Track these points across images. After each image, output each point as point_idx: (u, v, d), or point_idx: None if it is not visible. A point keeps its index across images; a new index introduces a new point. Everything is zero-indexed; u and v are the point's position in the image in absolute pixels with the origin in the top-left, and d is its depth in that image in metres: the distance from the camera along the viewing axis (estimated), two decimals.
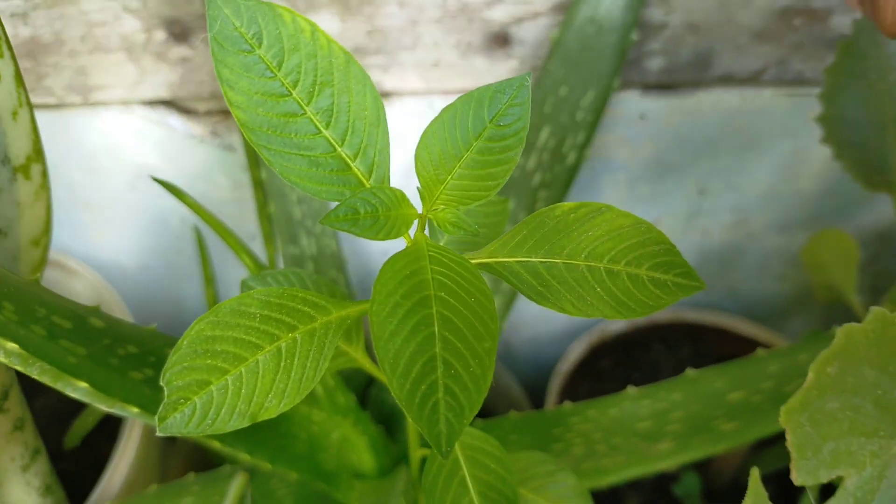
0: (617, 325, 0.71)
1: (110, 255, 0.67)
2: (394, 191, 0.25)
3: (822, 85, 0.50)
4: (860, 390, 0.31)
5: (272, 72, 0.26)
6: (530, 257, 0.28)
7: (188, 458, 0.67)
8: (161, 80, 0.55)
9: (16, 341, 0.28)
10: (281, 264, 0.57)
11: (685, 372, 0.49)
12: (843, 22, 0.54)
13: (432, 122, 0.25)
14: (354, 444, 0.52)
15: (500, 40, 0.54)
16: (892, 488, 0.32)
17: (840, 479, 0.31)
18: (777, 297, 0.74)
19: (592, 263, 0.27)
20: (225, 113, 0.58)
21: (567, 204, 0.27)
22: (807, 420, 0.29)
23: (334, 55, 0.26)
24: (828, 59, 0.56)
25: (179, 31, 0.52)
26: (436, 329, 0.23)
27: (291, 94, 0.26)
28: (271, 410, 0.27)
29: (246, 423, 0.27)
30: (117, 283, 0.68)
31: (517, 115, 0.25)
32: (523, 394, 0.69)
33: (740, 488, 0.65)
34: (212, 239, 0.63)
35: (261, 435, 0.48)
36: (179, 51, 0.53)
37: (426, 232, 0.28)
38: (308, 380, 0.27)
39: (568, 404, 0.52)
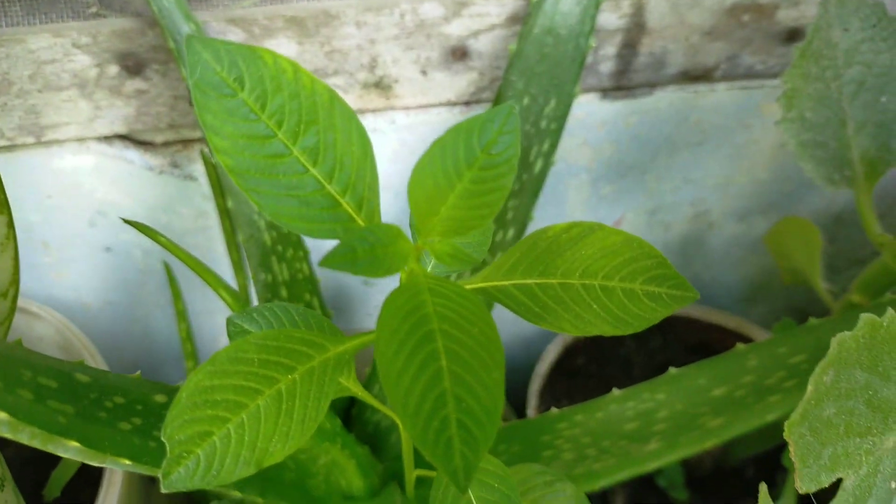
0: None
1: (73, 295, 0.65)
2: (389, 227, 0.25)
3: (774, 79, 0.51)
4: (853, 393, 0.32)
5: (256, 114, 0.25)
6: (526, 279, 0.28)
7: (172, 496, 0.66)
8: (116, 115, 0.53)
9: (4, 409, 0.27)
10: (253, 292, 0.56)
11: (668, 370, 0.50)
12: (789, 15, 0.56)
13: (423, 155, 0.25)
14: (343, 467, 0.51)
15: (458, 54, 0.54)
16: (887, 481, 0.33)
17: (840, 480, 0.32)
18: (740, 282, 0.75)
19: (587, 281, 0.27)
20: (184, 143, 0.57)
21: (559, 225, 0.28)
22: (807, 430, 0.30)
23: (318, 94, 0.26)
24: (777, 53, 0.58)
25: (133, 64, 0.51)
26: (444, 363, 0.23)
27: (277, 134, 0.26)
28: (276, 455, 0.26)
29: (252, 471, 0.26)
30: (82, 322, 0.66)
31: (507, 143, 0.25)
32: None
33: (722, 475, 0.67)
34: (176, 271, 0.62)
35: None
36: (134, 84, 0.52)
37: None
38: (311, 420, 0.27)
39: (554, 410, 0.52)
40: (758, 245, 0.71)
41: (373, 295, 0.70)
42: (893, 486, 0.34)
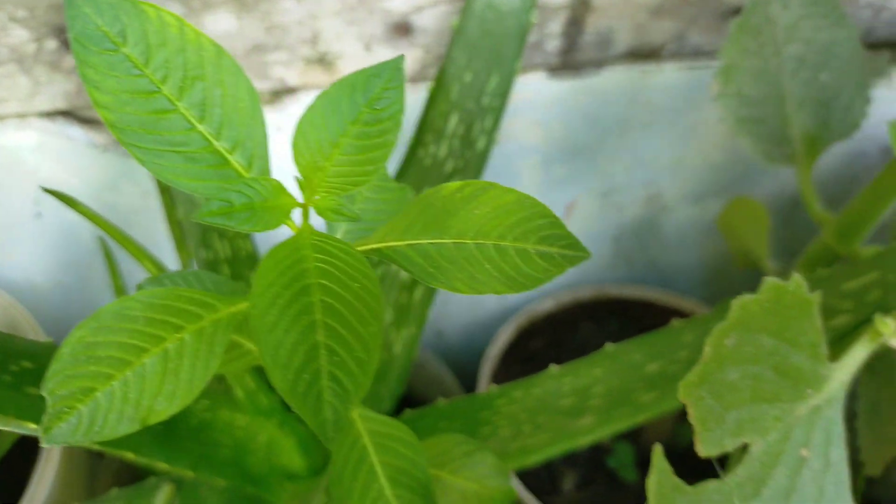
0: (544, 305, 0.72)
1: (21, 275, 0.65)
2: (270, 180, 0.25)
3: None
4: (759, 359, 0.32)
5: (139, 69, 0.25)
6: (420, 239, 0.28)
7: (119, 474, 0.66)
8: (57, 91, 0.53)
9: None
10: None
11: (604, 347, 0.50)
12: None
13: (307, 109, 0.25)
14: (282, 445, 0.51)
15: (402, 30, 0.54)
16: (797, 449, 0.33)
17: (746, 445, 0.32)
18: (697, 266, 0.75)
19: (481, 241, 0.27)
20: None
21: (453, 184, 0.28)
22: (707, 392, 0.30)
23: (204, 49, 0.26)
24: (724, 31, 0.58)
25: None
26: (318, 317, 0.23)
27: (161, 90, 0.25)
28: (161, 413, 0.26)
29: (136, 428, 0.26)
30: (31, 302, 0.66)
31: (392, 99, 0.25)
32: (455, 381, 0.69)
33: (672, 456, 0.67)
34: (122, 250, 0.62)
35: (181, 443, 0.47)
36: (73, 59, 0.52)
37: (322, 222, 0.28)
38: (198, 380, 0.27)
39: (493, 387, 0.52)
40: (713, 228, 0.71)
41: None
42: (804, 453, 0.34)
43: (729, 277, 0.77)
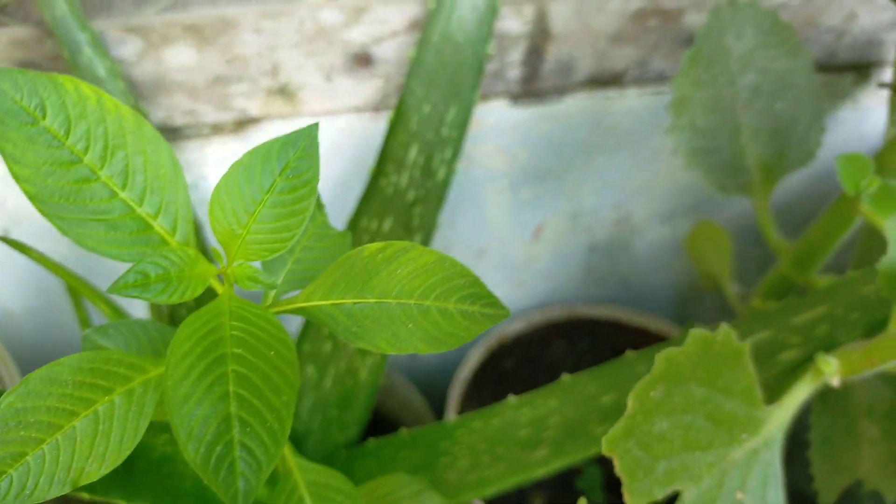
0: (514, 325, 0.72)
1: None
2: (187, 250, 0.25)
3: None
4: (690, 408, 0.32)
5: (60, 141, 0.25)
6: (344, 299, 0.28)
7: None
8: None
9: None
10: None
11: (560, 378, 0.50)
12: (695, 20, 0.56)
13: (222, 178, 0.26)
14: None
15: (362, 60, 0.54)
16: (731, 493, 0.34)
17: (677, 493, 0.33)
18: (668, 286, 0.76)
19: (403, 301, 0.28)
20: None
21: (374, 244, 0.28)
22: (634, 445, 0.30)
23: (124, 118, 0.26)
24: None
25: None
26: (231, 388, 0.24)
27: (83, 160, 0.26)
28: (92, 475, 0.27)
29: (67, 490, 0.26)
30: (6, 328, 0.67)
31: (307, 167, 0.25)
32: (425, 404, 0.70)
33: None
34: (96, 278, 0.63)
35: (141, 478, 0.47)
36: None
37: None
38: (129, 440, 0.27)
39: (455, 417, 0.53)
40: (682, 249, 0.72)
41: None
42: (740, 496, 0.34)
43: (700, 296, 0.77)
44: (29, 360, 0.68)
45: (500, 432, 0.50)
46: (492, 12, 0.50)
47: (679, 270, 0.74)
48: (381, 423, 0.70)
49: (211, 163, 0.58)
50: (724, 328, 0.32)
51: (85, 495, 0.43)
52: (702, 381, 0.31)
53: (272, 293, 0.32)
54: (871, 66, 0.62)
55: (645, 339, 0.72)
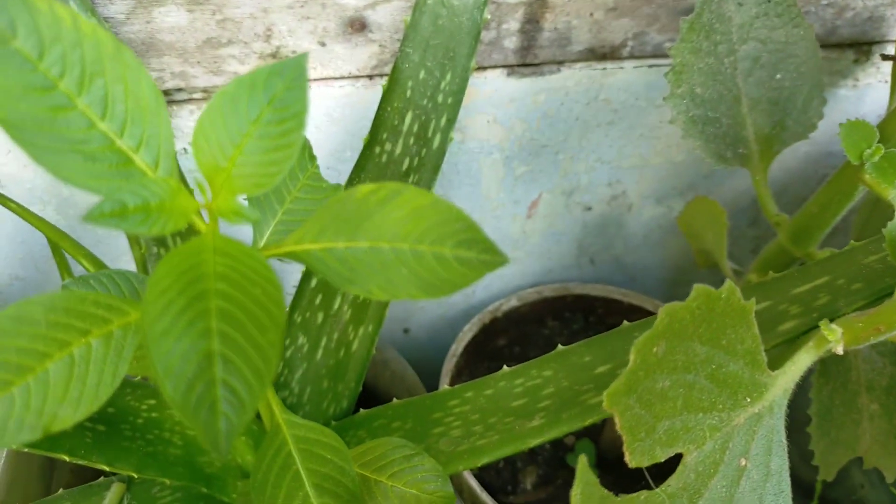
0: (508, 303, 0.71)
1: None
2: (168, 181, 0.24)
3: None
4: (692, 367, 0.31)
5: (32, 64, 0.24)
6: (335, 243, 0.27)
7: (77, 474, 0.65)
8: None
9: None
10: (151, 267, 0.55)
11: (556, 348, 0.49)
12: None
13: (206, 108, 0.24)
14: (234, 442, 0.50)
15: (357, 25, 0.53)
16: (735, 458, 0.33)
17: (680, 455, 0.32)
18: (662, 264, 0.75)
19: (397, 245, 0.27)
20: None
21: (366, 186, 0.27)
22: (636, 402, 0.29)
23: (102, 44, 0.25)
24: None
25: None
26: (213, 324, 0.22)
27: (58, 86, 0.24)
28: (66, 420, 0.26)
29: (38, 436, 0.25)
30: None
31: (295, 98, 0.24)
32: (417, 379, 0.68)
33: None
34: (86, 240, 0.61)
35: (124, 443, 0.46)
36: None
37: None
38: (106, 385, 0.26)
39: (447, 388, 0.51)
40: (677, 227, 0.71)
41: (290, 273, 0.69)
42: (743, 463, 0.33)
43: (694, 276, 0.76)
44: None
45: (494, 402, 0.48)
46: None
47: (673, 250, 0.73)
48: (373, 398, 0.69)
49: None
50: (729, 284, 0.31)
51: (64, 457, 0.42)
52: (705, 340, 0.30)
53: (262, 241, 0.31)
54: (872, 43, 0.61)
55: (638, 317, 0.71)
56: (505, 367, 0.50)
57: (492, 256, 0.27)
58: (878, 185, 0.42)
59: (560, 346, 0.49)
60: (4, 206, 0.39)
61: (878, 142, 0.43)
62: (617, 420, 0.29)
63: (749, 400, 0.33)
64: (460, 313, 0.76)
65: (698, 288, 0.30)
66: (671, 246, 0.73)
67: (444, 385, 0.65)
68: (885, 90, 0.64)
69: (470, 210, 0.66)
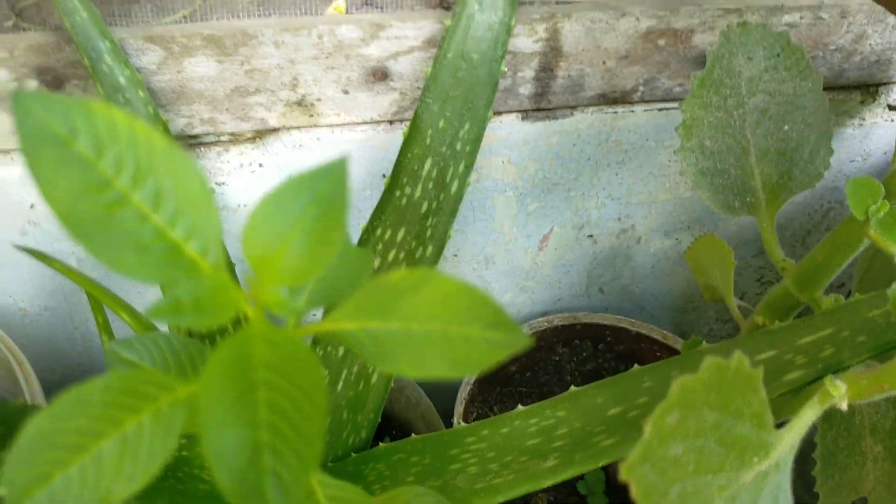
0: None
1: (8, 301, 0.66)
2: (219, 276, 0.26)
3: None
4: (703, 433, 0.33)
5: (91, 165, 0.26)
6: (370, 323, 0.29)
7: None
8: None
9: None
10: None
11: (569, 389, 0.51)
12: (705, 39, 0.57)
13: (257, 207, 0.26)
14: None
15: (379, 75, 0.55)
16: None
17: None
18: (669, 294, 0.77)
19: (429, 327, 0.29)
20: None
21: (400, 272, 0.29)
22: (650, 469, 0.31)
23: (154, 143, 0.27)
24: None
25: (52, 79, 0.52)
26: (262, 415, 0.24)
27: (114, 184, 0.26)
28: (119, 495, 0.27)
29: None
30: (19, 327, 0.67)
31: (337, 197, 0.26)
32: (431, 405, 0.70)
33: None
34: (111, 281, 0.63)
35: (156, 482, 0.48)
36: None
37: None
38: (156, 459, 0.28)
39: (462, 425, 0.53)
40: (684, 259, 0.72)
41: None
42: None
43: (700, 304, 0.78)
44: (41, 356, 0.69)
45: (509, 441, 0.50)
46: (507, 32, 0.51)
47: (680, 280, 0.75)
48: (388, 423, 0.71)
49: (228, 170, 0.58)
50: (738, 355, 0.32)
51: None
52: (715, 406, 0.32)
53: (301, 301, 0.32)
54: (879, 85, 0.63)
55: (647, 346, 0.73)
56: (519, 406, 0.52)
57: (516, 338, 0.29)
58: (883, 240, 0.44)
59: (573, 388, 0.51)
60: (47, 264, 0.41)
61: (884, 198, 0.45)
62: (632, 488, 0.31)
63: (756, 459, 0.35)
64: None
65: (710, 361, 0.32)
66: (678, 276, 0.74)
67: (459, 411, 0.67)
68: (890, 128, 0.66)
69: (483, 244, 0.68)
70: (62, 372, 0.73)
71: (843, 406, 0.39)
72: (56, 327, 0.69)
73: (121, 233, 0.27)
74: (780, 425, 0.38)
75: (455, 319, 0.28)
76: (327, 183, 0.26)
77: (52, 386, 0.61)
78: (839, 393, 0.38)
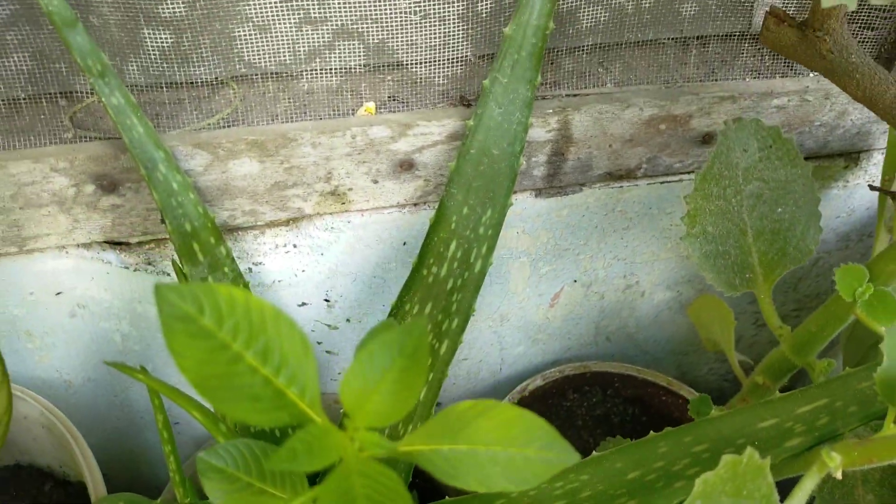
0: (534, 383, 0.78)
1: (55, 375, 0.70)
2: (326, 425, 0.31)
3: (691, 174, 0.57)
4: None
5: (214, 333, 0.31)
6: (441, 445, 0.34)
7: None
8: (93, 226, 0.58)
9: None
10: None
11: (591, 454, 0.56)
12: (702, 123, 0.62)
13: (353, 363, 0.31)
14: None
15: (406, 166, 0.60)
16: None
17: None
18: (672, 340, 0.82)
19: (492, 448, 0.34)
20: (157, 241, 0.62)
21: (466, 402, 0.34)
22: None
23: (265, 311, 0.32)
24: (693, 153, 0.64)
25: (108, 184, 0.56)
26: None
27: (232, 346, 0.31)
28: None
29: None
30: (64, 397, 0.72)
31: (419, 353, 0.31)
32: None
33: None
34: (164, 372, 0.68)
35: None
36: (109, 200, 0.57)
37: None
38: None
39: None
40: (685, 309, 0.78)
41: (336, 362, 0.76)
42: None
43: (699, 348, 0.84)
44: (84, 425, 0.74)
45: (537, 501, 0.55)
46: (524, 130, 0.56)
47: (681, 327, 0.81)
48: (417, 474, 0.76)
49: (264, 251, 0.63)
50: (750, 451, 0.38)
51: None
52: (730, 493, 0.38)
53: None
54: (860, 152, 0.69)
55: (653, 391, 0.78)
56: None
57: (568, 456, 0.34)
58: (868, 319, 0.49)
59: (595, 453, 0.56)
60: (134, 377, 0.45)
61: (868, 280, 0.50)
62: None
63: None
64: (489, 388, 0.83)
65: (727, 459, 0.37)
66: (679, 324, 0.80)
67: None
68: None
69: (499, 304, 0.73)
70: (100, 434, 0.78)
71: (838, 475, 0.44)
72: (98, 396, 0.74)
73: (236, 385, 0.32)
74: (780, 483, 0.43)
75: (515, 442, 0.34)
76: (411, 339, 0.31)
77: (93, 447, 0.65)
78: (835, 464, 0.44)
